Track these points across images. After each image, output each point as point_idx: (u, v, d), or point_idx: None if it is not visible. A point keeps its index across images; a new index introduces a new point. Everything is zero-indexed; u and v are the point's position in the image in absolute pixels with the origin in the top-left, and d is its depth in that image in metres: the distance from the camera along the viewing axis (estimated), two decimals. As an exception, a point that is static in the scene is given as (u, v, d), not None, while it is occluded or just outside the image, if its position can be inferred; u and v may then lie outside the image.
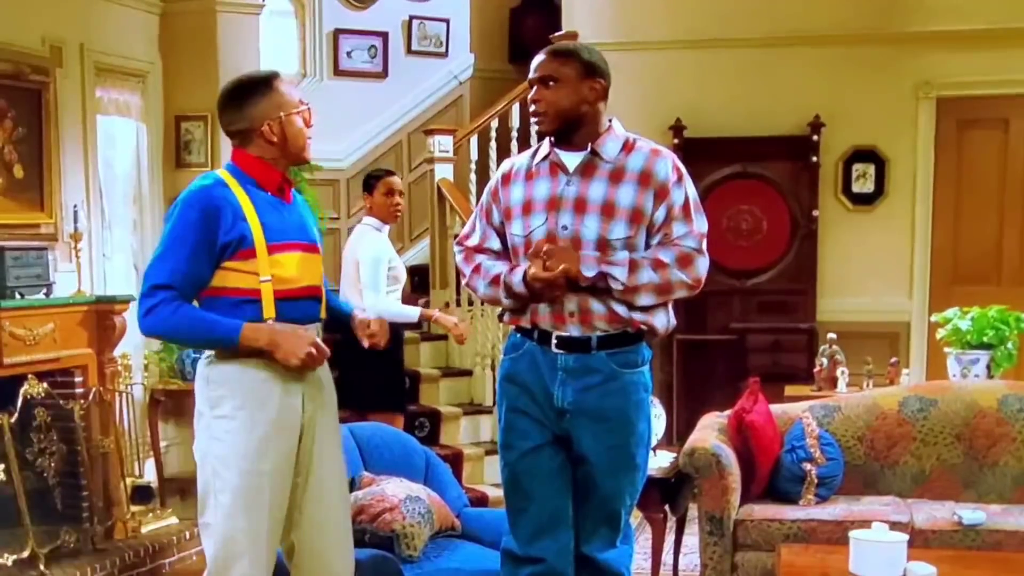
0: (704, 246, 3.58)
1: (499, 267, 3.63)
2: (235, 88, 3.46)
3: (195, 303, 3.38)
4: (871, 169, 8.19)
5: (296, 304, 3.42)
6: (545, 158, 3.61)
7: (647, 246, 3.55)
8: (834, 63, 8.15)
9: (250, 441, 3.33)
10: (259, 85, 3.44)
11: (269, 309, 3.35)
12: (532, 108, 3.59)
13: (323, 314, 3.57)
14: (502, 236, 3.70)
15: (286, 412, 3.39)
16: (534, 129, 3.67)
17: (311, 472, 3.49)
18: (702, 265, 3.56)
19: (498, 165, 4.31)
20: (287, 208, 3.49)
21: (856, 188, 8.23)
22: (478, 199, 3.92)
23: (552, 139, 3.60)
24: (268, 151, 3.43)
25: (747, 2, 8.31)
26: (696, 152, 8.18)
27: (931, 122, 8.09)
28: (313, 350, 3.32)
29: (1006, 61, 7.90)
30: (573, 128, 3.55)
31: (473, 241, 3.76)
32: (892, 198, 8.17)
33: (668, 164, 3.56)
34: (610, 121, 3.62)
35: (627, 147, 3.58)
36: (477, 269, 3.69)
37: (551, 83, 3.53)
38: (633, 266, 3.47)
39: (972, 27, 7.87)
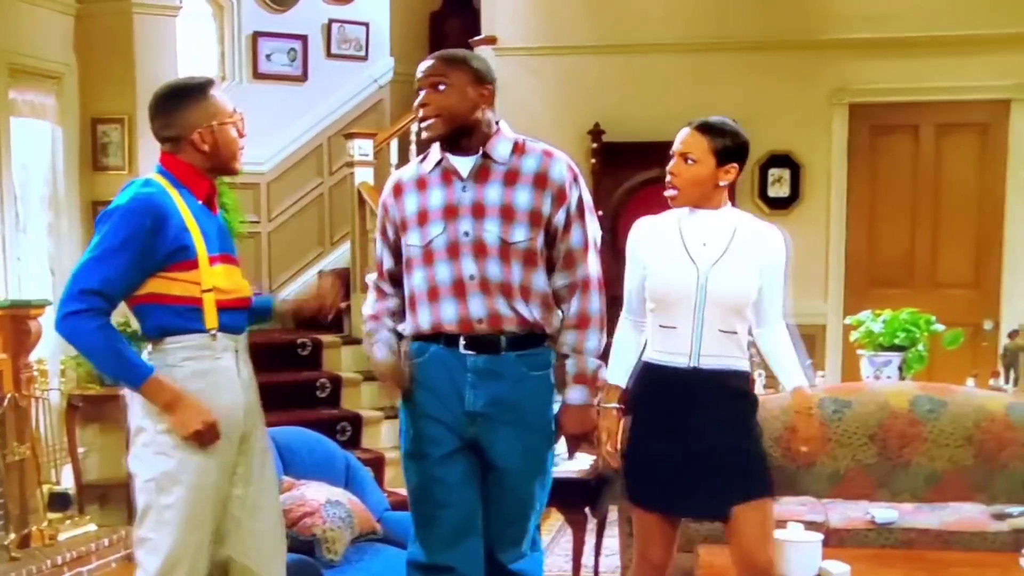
0: (596, 249, 3.66)
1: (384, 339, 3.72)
2: (167, 93, 3.40)
3: (129, 307, 3.33)
4: (787, 174, 8.32)
5: (232, 314, 3.39)
6: (437, 164, 3.57)
7: (550, 251, 3.57)
8: (750, 69, 8.25)
9: (197, 456, 3.29)
10: (192, 92, 3.38)
11: (212, 320, 3.31)
12: (420, 113, 3.53)
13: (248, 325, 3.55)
14: (394, 253, 3.69)
15: (229, 426, 3.35)
16: (422, 135, 3.61)
17: (250, 484, 3.46)
18: (595, 298, 3.63)
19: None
20: (214, 219, 3.44)
21: (772, 192, 8.35)
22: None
23: (442, 145, 3.57)
24: (198, 159, 3.36)
25: (665, 8, 8.39)
26: (615, 157, 8.27)
27: (844, 128, 8.25)
28: (203, 429, 3.26)
29: (917, 69, 8.07)
30: (462, 133, 3.52)
31: (373, 276, 3.79)
32: (807, 202, 8.31)
33: (563, 165, 3.57)
34: (497, 123, 3.60)
35: (518, 149, 3.57)
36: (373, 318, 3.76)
37: (440, 87, 3.49)
38: (595, 369, 3.62)
39: (885, 35, 8.04)
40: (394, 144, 8.31)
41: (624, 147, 8.24)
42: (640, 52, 8.43)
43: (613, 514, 5.36)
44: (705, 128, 3.63)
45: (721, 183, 3.63)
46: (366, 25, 9.96)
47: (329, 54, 9.82)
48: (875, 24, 8.08)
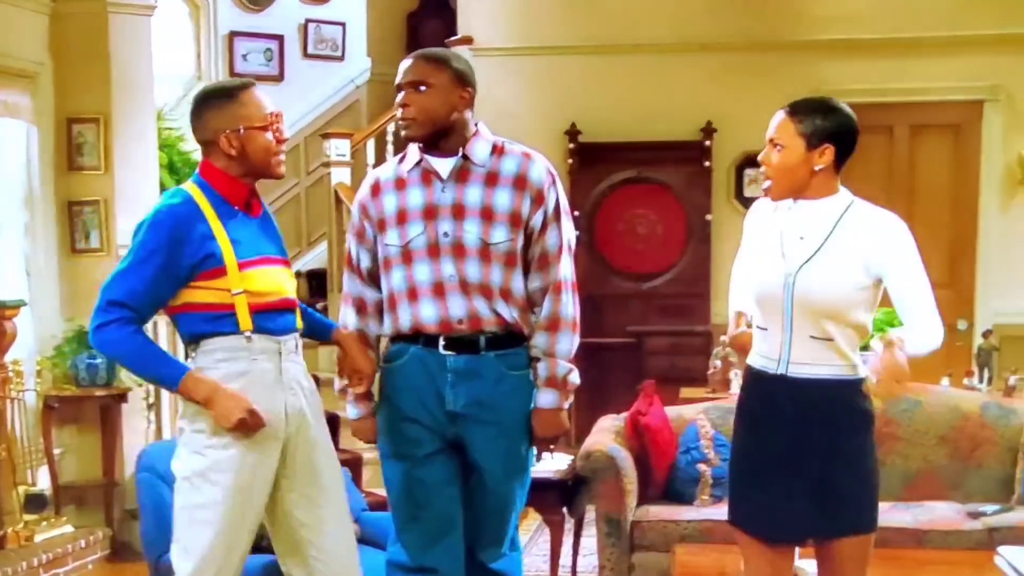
0: (570, 252, 3.64)
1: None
2: (199, 97, 3.39)
3: (165, 317, 3.36)
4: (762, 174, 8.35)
5: (272, 316, 3.35)
6: (416, 165, 3.56)
7: (526, 251, 3.57)
8: (726, 70, 8.29)
9: (231, 456, 3.26)
10: (221, 95, 3.35)
11: (245, 322, 3.28)
12: (400, 112, 3.52)
13: (299, 324, 3.50)
14: (373, 255, 3.64)
15: (269, 428, 3.30)
16: (401, 133, 3.61)
17: (306, 485, 3.41)
18: (568, 301, 3.60)
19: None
20: (255, 222, 3.42)
21: (748, 192, 8.39)
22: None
23: (420, 145, 3.56)
24: (229, 164, 3.33)
25: (641, 9, 8.42)
26: (591, 157, 8.32)
27: (820, 128, 8.29)
28: (247, 416, 3.22)
29: (890, 71, 8.13)
30: (442, 135, 3.51)
31: (352, 287, 3.72)
32: (782, 202, 8.33)
33: (542, 168, 3.58)
34: (476, 125, 3.59)
35: (497, 151, 3.58)
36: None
37: (422, 88, 3.48)
38: (566, 373, 3.60)
39: (858, 37, 8.09)
40: (371, 144, 8.30)
41: (601, 147, 8.29)
42: (617, 53, 8.45)
43: (591, 514, 5.38)
44: (793, 109, 3.30)
45: (817, 168, 3.26)
46: (343, 25, 9.97)
47: (306, 54, 9.83)
48: (848, 26, 8.14)
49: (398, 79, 3.53)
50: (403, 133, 3.57)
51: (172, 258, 3.22)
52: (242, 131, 3.31)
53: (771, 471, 3.33)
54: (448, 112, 3.49)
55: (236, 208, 3.37)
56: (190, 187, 3.36)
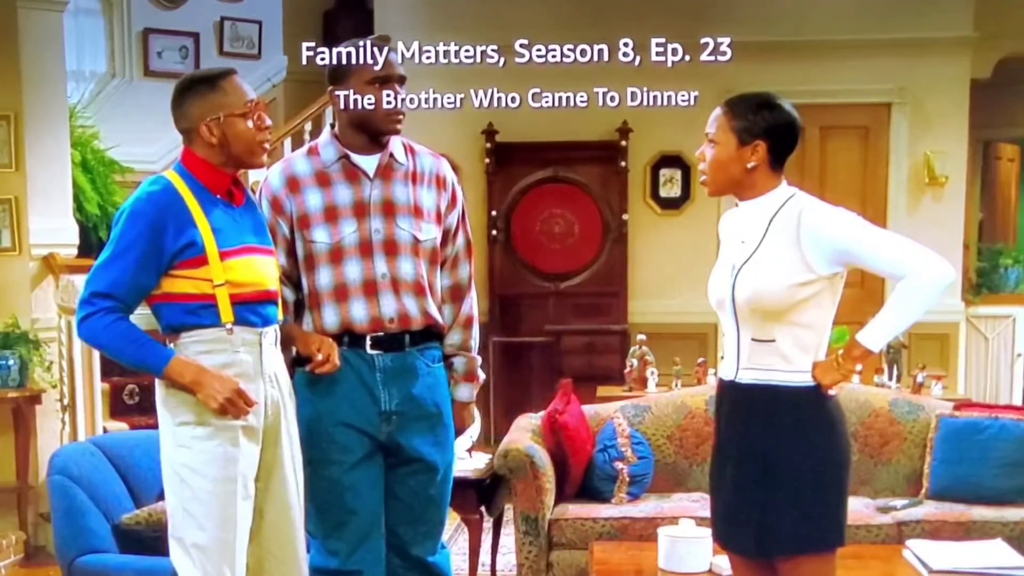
0: (472, 256, 3.79)
1: None
2: (180, 85, 3.36)
3: (147, 308, 3.30)
4: (677, 174, 8.47)
5: (253, 307, 3.31)
6: (337, 161, 3.56)
7: (442, 250, 3.65)
8: (639, 71, 8.34)
9: (217, 446, 3.23)
10: (202, 83, 3.32)
11: (227, 314, 3.25)
12: (395, 107, 3.55)
13: (280, 316, 3.43)
14: (289, 251, 3.59)
15: (252, 415, 3.28)
16: (396, 127, 3.61)
17: (272, 478, 3.38)
18: (475, 299, 3.79)
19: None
20: (238, 211, 3.37)
21: (664, 192, 8.49)
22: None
23: (339, 141, 3.57)
24: (211, 153, 3.30)
25: (555, 10, 8.46)
26: (508, 156, 8.36)
27: (732, 129, 8.42)
28: (234, 397, 3.21)
29: (800, 72, 8.27)
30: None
31: None
32: (697, 202, 8.46)
33: (450, 169, 3.72)
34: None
35: (408, 149, 3.65)
36: None
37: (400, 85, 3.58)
38: (479, 366, 3.79)
39: (768, 39, 8.21)
40: (288, 143, 8.25)
41: (517, 147, 8.32)
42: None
43: (509, 513, 5.40)
44: (728, 104, 3.30)
45: (749, 165, 3.23)
46: (259, 23, 9.87)
47: (221, 52, 9.71)
48: (758, 27, 8.24)
49: (384, 70, 3.56)
50: (397, 128, 3.60)
51: (153, 245, 3.20)
52: (222, 119, 3.29)
53: (720, 480, 3.29)
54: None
55: (218, 197, 3.33)
56: (170, 175, 3.33)
